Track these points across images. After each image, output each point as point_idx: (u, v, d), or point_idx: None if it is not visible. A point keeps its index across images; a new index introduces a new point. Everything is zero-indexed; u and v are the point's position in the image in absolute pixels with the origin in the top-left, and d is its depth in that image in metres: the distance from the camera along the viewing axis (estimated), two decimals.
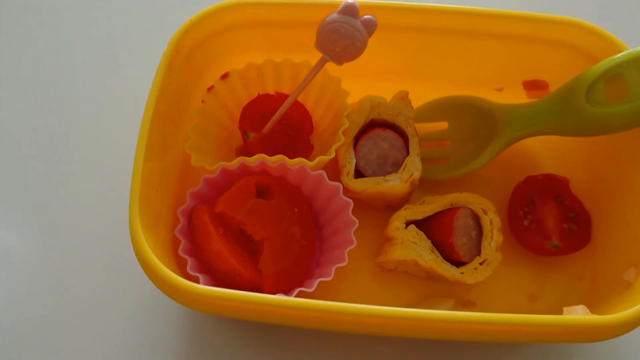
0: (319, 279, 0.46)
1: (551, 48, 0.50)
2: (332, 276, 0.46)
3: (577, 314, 0.39)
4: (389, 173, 0.49)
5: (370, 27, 0.45)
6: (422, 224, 0.49)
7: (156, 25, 0.64)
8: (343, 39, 0.45)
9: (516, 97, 0.54)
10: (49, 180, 0.57)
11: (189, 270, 0.45)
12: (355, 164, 0.49)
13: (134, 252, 0.41)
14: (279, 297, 0.37)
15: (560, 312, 0.50)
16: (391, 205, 0.53)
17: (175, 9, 0.64)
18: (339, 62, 0.47)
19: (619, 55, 0.44)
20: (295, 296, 0.45)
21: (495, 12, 0.49)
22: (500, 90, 0.55)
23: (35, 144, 0.59)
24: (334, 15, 0.45)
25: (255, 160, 0.47)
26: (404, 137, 0.50)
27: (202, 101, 0.51)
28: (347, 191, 0.49)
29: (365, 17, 0.45)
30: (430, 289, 0.51)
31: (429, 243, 0.48)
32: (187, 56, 0.48)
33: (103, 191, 0.55)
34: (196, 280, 0.44)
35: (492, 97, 0.54)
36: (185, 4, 0.58)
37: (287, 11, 0.49)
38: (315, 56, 0.47)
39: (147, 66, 0.50)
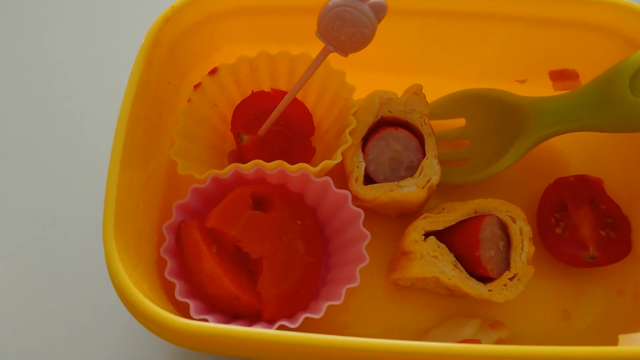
0: (327, 303, 0.41)
1: (581, 32, 0.46)
2: (343, 299, 0.41)
3: (639, 344, 0.34)
4: (403, 178, 0.45)
5: (379, 11, 0.41)
6: (442, 235, 0.44)
7: (134, 14, 0.59)
8: (349, 26, 0.41)
9: (541, 89, 0.49)
10: (22, 193, 0.52)
11: (177, 295, 0.40)
12: (365, 168, 0.45)
13: (110, 279, 0.35)
14: (279, 333, 0.32)
15: (600, 330, 0.45)
16: (405, 214, 0.48)
17: None
18: (345, 52, 0.42)
19: None
20: (301, 324, 0.40)
21: None
22: (523, 82, 0.51)
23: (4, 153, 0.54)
24: None
25: (251, 167, 0.43)
26: (419, 137, 0.46)
27: (189, 100, 0.47)
28: (356, 199, 0.45)
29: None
30: (453, 307, 0.47)
31: (451, 257, 0.42)
32: (169, 49, 0.44)
33: (82, 207, 0.51)
34: (187, 307, 0.40)
35: (515, 89, 0.50)
36: None
37: None
38: (315, 47, 0.44)
39: (125, 62, 0.45)
